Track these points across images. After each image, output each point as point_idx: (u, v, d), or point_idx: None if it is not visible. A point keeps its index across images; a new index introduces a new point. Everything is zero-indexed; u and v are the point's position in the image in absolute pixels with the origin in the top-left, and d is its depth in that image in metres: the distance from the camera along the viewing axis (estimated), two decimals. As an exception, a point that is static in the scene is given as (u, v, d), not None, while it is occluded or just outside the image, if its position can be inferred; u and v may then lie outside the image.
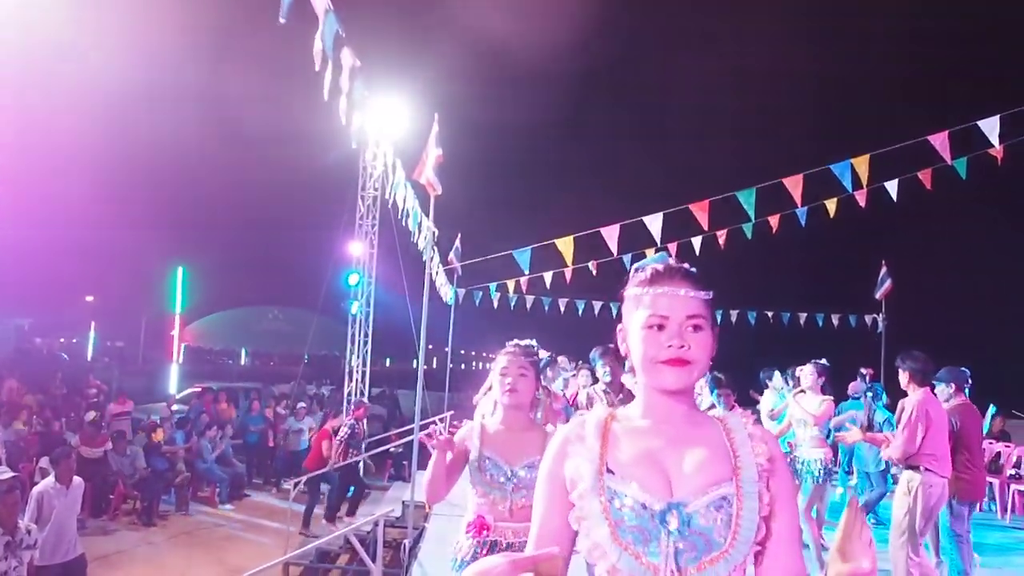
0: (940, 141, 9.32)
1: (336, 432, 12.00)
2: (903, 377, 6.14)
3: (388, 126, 8.34)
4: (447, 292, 14.84)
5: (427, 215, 9.21)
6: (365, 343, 15.14)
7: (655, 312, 1.55)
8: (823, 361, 7.27)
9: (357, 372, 15.13)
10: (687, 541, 1.47)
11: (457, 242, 13.94)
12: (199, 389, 18.83)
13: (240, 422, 15.54)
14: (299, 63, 5.47)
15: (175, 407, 16.36)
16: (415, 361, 10.33)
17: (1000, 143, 9.23)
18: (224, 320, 38.39)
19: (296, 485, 11.80)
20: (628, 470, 1.53)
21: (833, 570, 1.30)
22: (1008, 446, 11.61)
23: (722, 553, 1.47)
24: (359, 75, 5.83)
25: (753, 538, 1.49)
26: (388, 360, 35.33)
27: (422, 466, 9.87)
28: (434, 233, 9.09)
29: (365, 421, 13.28)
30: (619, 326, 1.65)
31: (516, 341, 4.31)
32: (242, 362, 47.69)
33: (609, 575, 1.48)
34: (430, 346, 20.26)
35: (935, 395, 6.31)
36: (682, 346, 1.53)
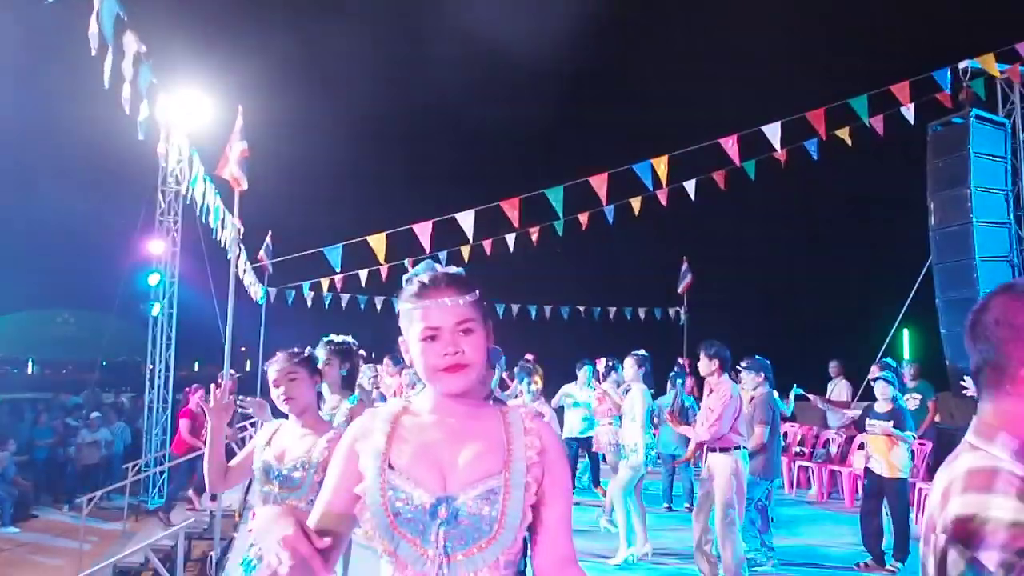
0: (730, 144, 10.01)
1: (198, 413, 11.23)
2: (711, 364, 6.46)
3: (183, 117, 7.88)
4: (257, 291, 14.27)
5: (232, 211, 8.80)
6: (168, 346, 14.24)
7: (427, 324, 1.66)
8: (642, 352, 7.57)
9: (160, 377, 14.22)
10: (457, 531, 1.59)
11: (268, 239, 13.44)
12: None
13: (26, 436, 14.23)
14: (82, 46, 5.03)
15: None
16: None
17: (782, 147, 10.05)
18: (7, 325, 34.99)
19: (91, 501, 10.93)
20: (407, 466, 1.64)
21: None
22: (794, 425, 12.68)
23: (490, 539, 1.60)
24: (145, 62, 5.45)
25: (520, 525, 1.62)
26: (196, 364, 33.55)
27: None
28: (239, 230, 8.70)
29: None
30: (400, 338, 1.74)
31: (331, 337, 4.30)
32: (29, 371, 44.06)
33: (388, 556, 1.61)
34: (243, 348, 19.41)
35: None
36: (456, 352, 1.64)
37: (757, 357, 7.45)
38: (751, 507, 7.04)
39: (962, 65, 10.44)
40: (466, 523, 1.60)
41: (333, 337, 4.39)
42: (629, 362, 7.41)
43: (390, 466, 1.65)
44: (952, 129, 11.46)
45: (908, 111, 10.02)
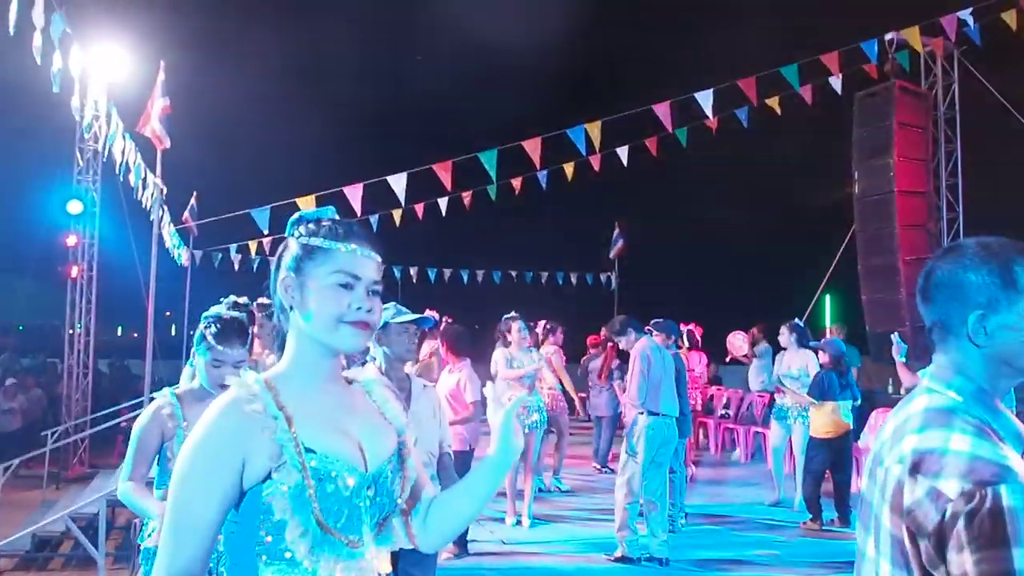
0: (663, 111, 10.07)
1: None
2: (628, 338, 6.65)
3: (100, 70, 7.56)
4: (183, 254, 13.89)
5: (154, 171, 8.52)
6: (88, 310, 13.78)
7: (346, 270, 1.51)
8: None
9: (80, 342, 13.78)
10: (376, 506, 1.50)
11: (193, 200, 13.07)
12: None
13: (-64, 404, 13.66)
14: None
15: None
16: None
17: (713, 115, 10.16)
18: (-85, 288, 33.39)
19: (8, 469, 10.56)
20: (326, 445, 1.44)
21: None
22: (720, 389, 12.97)
23: (391, 513, 1.54)
24: (58, 10, 5.17)
25: (416, 485, 1.61)
26: (120, 329, 32.59)
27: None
28: (162, 191, 8.43)
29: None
30: (284, 275, 1.56)
31: (232, 297, 3.79)
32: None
33: (310, 564, 1.41)
34: (169, 312, 18.94)
35: (655, 341, 6.83)
36: (369, 310, 1.51)
37: (652, 320, 7.59)
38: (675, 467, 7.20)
39: (888, 36, 10.67)
40: (385, 496, 1.51)
41: (235, 298, 3.70)
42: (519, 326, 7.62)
43: (307, 449, 1.42)
44: (877, 99, 11.74)
45: (836, 81, 10.22)
